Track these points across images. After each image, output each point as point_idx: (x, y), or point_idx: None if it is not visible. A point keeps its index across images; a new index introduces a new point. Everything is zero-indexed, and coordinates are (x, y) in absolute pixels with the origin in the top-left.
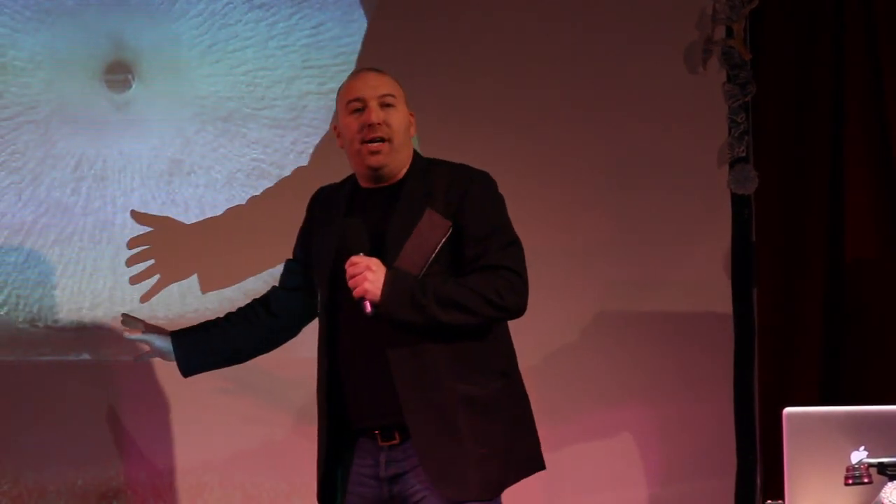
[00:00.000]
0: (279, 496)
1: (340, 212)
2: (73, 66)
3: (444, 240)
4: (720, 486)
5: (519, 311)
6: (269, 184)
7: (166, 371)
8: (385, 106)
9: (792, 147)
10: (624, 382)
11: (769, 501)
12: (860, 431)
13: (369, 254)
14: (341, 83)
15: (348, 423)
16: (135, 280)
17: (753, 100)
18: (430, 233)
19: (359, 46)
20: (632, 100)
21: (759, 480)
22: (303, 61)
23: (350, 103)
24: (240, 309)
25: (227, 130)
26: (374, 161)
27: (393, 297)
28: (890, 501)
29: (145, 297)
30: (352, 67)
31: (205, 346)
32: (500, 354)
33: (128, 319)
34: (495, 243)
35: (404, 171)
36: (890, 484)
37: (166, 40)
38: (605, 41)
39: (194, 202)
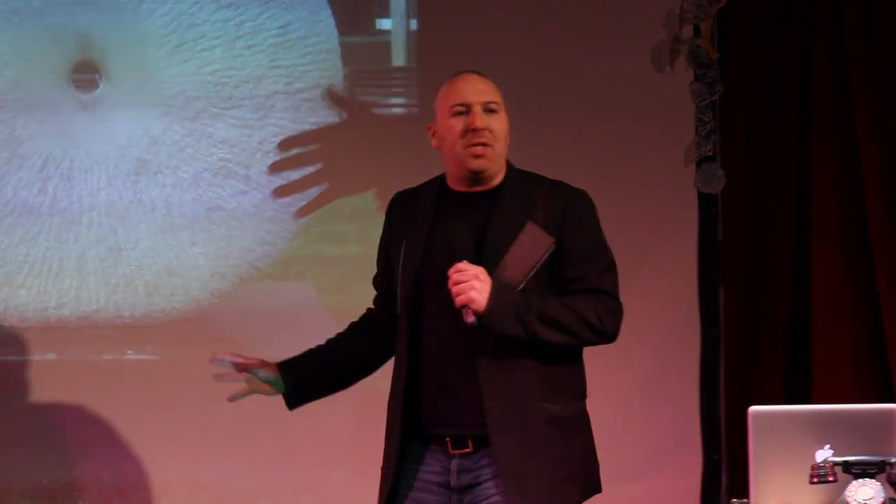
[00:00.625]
0: (244, 495)
1: (428, 214)
2: (40, 66)
3: (546, 256)
4: (686, 484)
5: (615, 337)
6: (236, 183)
7: (132, 370)
8: (489, 112)
9: (759, 146)
10: (589, 379)
11: (734, 500)
12: (825, 430)
13: (471, 261)
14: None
15: (420, 428)
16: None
17: (721, 99)
18: (532, 247)
19: (326, 46)
20: (599, 99)
21: (724, 479)
22: (270, 61)
23: (454, 107)
24: (340, 334)
25: (194, 130)
26: (476, 164)
27: (499, 310)
28: (855, 500)
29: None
30: (318, 67)
31: (314, 376)
32: (580, 375)
33: (218, 357)
34: (596, 266)
35: (500, 177)
36: (855, 482)
37: (133, 40)
38: (573, 40)
39: (161, 202)
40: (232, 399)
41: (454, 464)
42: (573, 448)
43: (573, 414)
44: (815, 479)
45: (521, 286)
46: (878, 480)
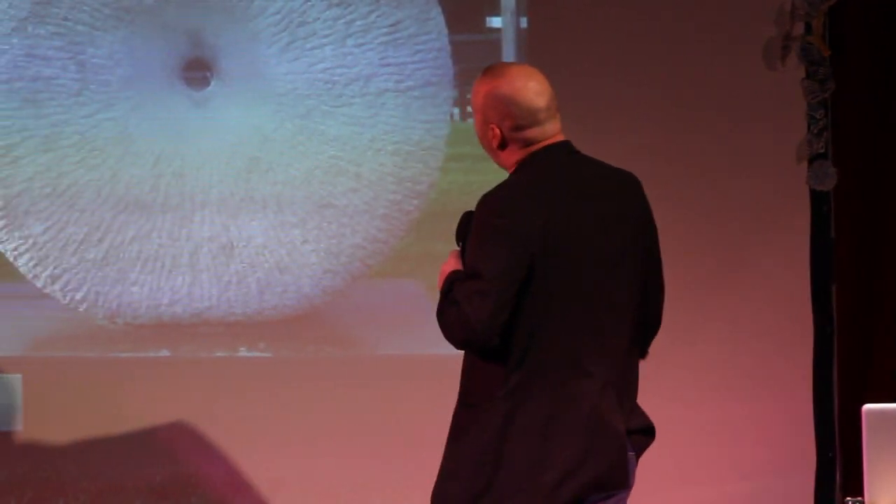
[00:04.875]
0: (356, 492)
1: None
2: (151, 64)
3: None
4: (800, 482)
5: (456, 344)
6: (347, 181)
7: (245, 368)
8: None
9: (871, 143)
10: (701, 379)
11: (849, 498)
12: None
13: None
14: (418, 81)
15: None
16: None
17: (833, 96)
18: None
19: (436, 44)
20: (711, 96)
21: (838, 477)
22: (380, 59)
23: None
24: None
25: (305, 128)
26: None
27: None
28: None
29: None
30: (429, 65)
31: None
32: (489, 379)
33: None
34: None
35: None
36: None
37: (245, 38)
38: (683, 38)
39: (272, 199)
40: None
41: None
42: (461, 449)
43: (468, 418)
44: None
45: None
46: None
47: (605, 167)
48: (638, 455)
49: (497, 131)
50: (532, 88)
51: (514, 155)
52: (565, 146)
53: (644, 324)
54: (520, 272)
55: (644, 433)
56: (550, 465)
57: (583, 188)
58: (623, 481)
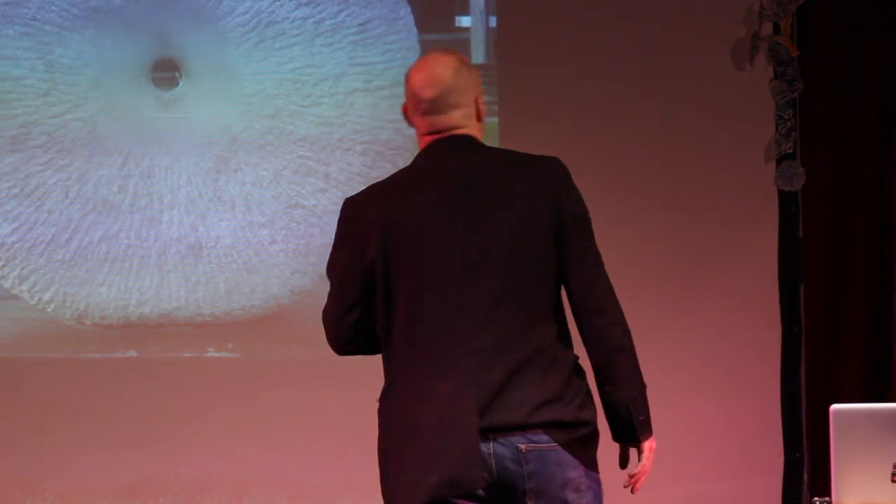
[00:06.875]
0: (326, 490)
1: None
2: (120, 64)
3: None
4: (768, 482)
5: (331, 347)
6: (315, 181)
7: (213, 368)
8: None
9: (839, 143)
10: (669, 379)
11: (816, 498)
12: None
13: None
14: (387, 81)
15: None
16: None
17: (801, 96)
18: None
19: (405, 44)
20: (679, 96)
21: (806, 477)
22: (349, 58)
23: None
24: None
25: (273, 128)
26: None
27: None
28: None
29: None
30: (398, 64)
31: None
32: (386, 372)
33: None
34: None
35: None
36: None
37: (213, 38)
38: (652, 37)
39: (241, 199)
40: None
41: None
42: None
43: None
44: None
45: None
46: None
47: (495, 154)
48: (573, 449)
49: (404, 109)
50: (422, 79)
51: (420, 140)
52: (450, 141)
53: (581, 310)
54: (360, 276)
55: (558, 427)
56: (412, 466)
57: (449, 181)
58: (479, 479)
